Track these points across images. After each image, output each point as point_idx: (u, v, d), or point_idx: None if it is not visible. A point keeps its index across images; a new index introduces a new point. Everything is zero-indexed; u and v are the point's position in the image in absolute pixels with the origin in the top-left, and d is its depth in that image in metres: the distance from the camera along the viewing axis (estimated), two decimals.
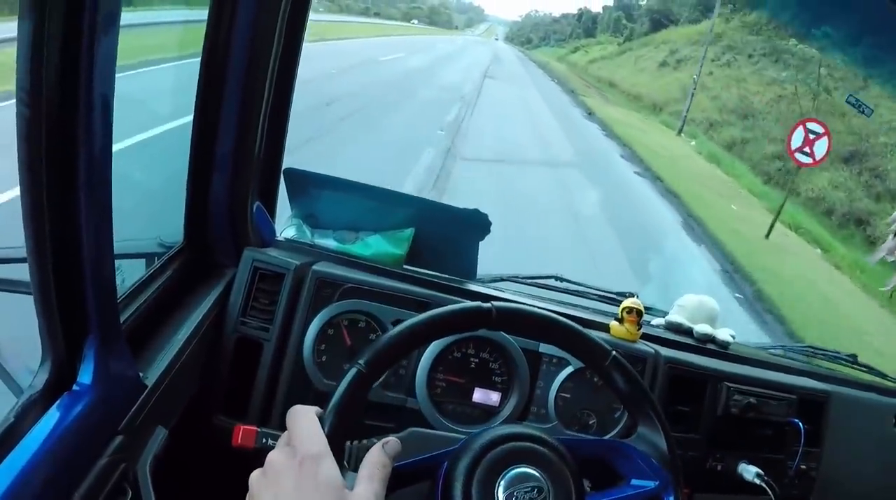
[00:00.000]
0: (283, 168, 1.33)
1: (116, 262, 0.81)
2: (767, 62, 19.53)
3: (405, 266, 1.37)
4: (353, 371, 0.78)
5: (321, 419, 0.74)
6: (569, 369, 1.26)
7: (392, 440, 0.76)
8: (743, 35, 22.43)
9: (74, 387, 0.79)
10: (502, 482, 0.77)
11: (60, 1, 0.60)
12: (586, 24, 45.74)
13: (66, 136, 0.65)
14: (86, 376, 0.79)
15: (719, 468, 1.39)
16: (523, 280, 1.54)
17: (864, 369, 1.88)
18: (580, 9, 47.80)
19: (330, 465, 0.68)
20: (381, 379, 1.14)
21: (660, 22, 32.74)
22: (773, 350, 1.76)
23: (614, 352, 0.91)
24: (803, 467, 1.50)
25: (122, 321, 0.90)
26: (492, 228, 1.35)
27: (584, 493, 0.82)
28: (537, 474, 0.79)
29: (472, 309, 0.87)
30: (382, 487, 0.71)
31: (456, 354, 1.24)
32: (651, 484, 0.88)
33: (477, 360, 1.25)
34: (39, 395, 0.76)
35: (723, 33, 23.21)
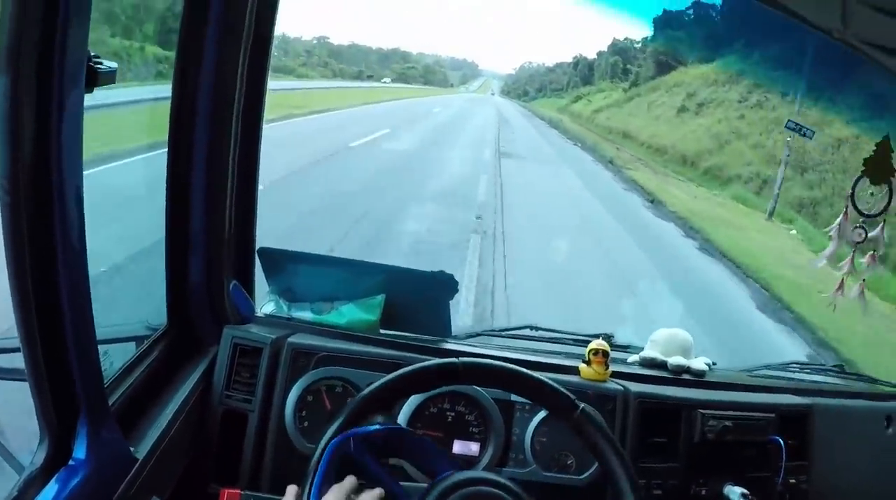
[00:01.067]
0: (256, 247, 1.44)
1: (108, 346, 0.92)
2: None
3: (381, 331, 1.47)
4: (332, 444, 0.87)
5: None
6: (542, 414, 1.35)
7: (377, 490, 0.88)
8: (766, 70, 19.80)
9: (70, 462, 0.89)
10: None
11: (32, 98, 0.71)
12: (583, 72, 44.82)
13: (44, 232, 0.76)
14: (80, 452, 0.89)
15: (703, 492, 1.45)
16: (498, 333, 1.64)
17: (853, 377, 1.97)
18: (575, 56, 46.75)
19: None
20: None
21: (667, 64, 30.70)
22: (755, 372, 1.84)
23: (583, 405, 0.99)
24: (792, 481, 1.56)
25: (112, 401, 1.01)
26: None
27: None
28: None
29: (439, 366, 0.96)
30: None
31: (432, 409, 1.33)
32: None
33: (453, 413, 1.34)
34: (39, 471, 0.86)
35: (742, 71, 21.66)
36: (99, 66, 0.77)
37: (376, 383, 0.93)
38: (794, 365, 1.92)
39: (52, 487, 0.85)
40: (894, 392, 1.98)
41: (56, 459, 0.88)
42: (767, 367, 1.88)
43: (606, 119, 30.74)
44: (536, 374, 1.00)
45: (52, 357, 0.82)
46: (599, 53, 42.58)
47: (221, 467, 1.29)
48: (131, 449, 1.02)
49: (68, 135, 0.74)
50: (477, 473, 0.94)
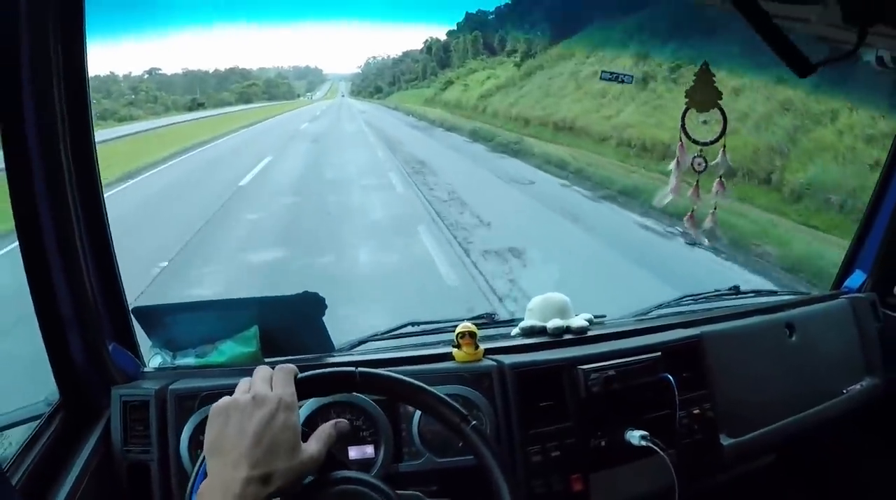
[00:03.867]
0: (130, 307, 1.59)
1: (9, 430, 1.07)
2: None
3: (266, 359, 1.60)
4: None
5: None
6: None
7: (343, 422, 1.02)
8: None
9: None
10: None
11: None
12: (438, 55, 41.13)
13: None
14: None
15: (603, 443, 1.59)
16: (381, 336, 1.78)
17: (751, 294, 2.10)
18: (426, 40, 42.71)
19: (296, 415, 0.93)
20: None
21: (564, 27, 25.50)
22: (646, 315, 1.98)
23: (474, 422, 1.08)
24: (696, 411, 1.72)
25: (15, 479, 1.17)
26: None
27: None
28: None
29: (337, 373, 1.09)
30: (326, 451, 0.96)
31: (320, 422, 1.46)
32: None
33: None
34: None
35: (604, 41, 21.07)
36: None
37: None
38: (687, 298, 2.04)
39: None
40: (793, 301, 2.09)
41: None
42: (659, 306, 2.00)
43: (506, 105, 25.23)
44: (430, 388, 1.10)
45: None
46: (450, 33, 39.16)
47: None
48: None
49: None
50: (351, 473, 1.02)
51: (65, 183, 1.38)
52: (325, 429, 0.98)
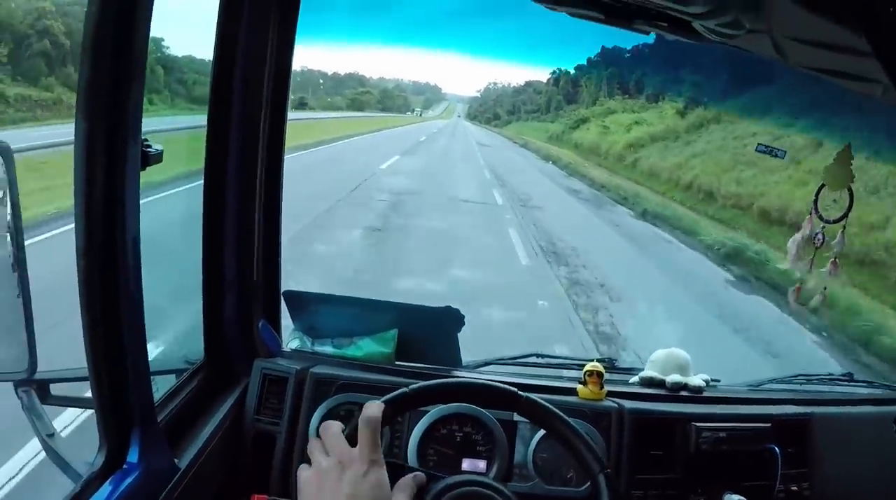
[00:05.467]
0: (283, 290, 1.74)
1: (155, 377, 1.20)
2: None
3: (397, 362, 1.74)
4: (400, 392, 1.10)
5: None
6: (541, 432, 1.58)
7: (420, 475, 1.05)
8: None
9: (124, 466, 1.16)
10: None
11: (102, 178, 0.99)
12: (566, 89, 38.70)
13: (110, 283, 1.05)
14: (133, 457, 1.17)
15: None
16: (507, 361, 1.88)
17: (862, 384, 2.14)
18: (554, 71, 40.24)
19: (383, 472, 0.96)
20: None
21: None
22: (760, 386, 2.04)
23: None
24: (794, 488, 1.76)
25: (159, 419, 1.29)
26: None
27: None
28: None
29: (506, 391, 1.17)
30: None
31: (442, 431, 1.58)
32: None
33: (461, 434, 1.59)
34: (98, 473, 1.14)
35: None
36: (149, 149, 1.07)
37: (453, 380, 1.27)
38: (801, 377, 2.10)
39: (106, 487, 1.12)
40: None
41: (112, 464, 1.15)
42: (773, 380, 2.07)
43: (674, 166, 20.34)
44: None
45: (113, 381, 1.10)
46: (580, 67, 37.34)
47: (254, 480, 1.56)
48: (175, 460, 1.30)
49: (130, 203, 1.03)
50: (469, 476, 1.12)
51: (256, 165, 1.58)
52: (407, 481, 1.01)
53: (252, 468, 1.58)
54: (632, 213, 16.86)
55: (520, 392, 1.16)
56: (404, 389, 1.11)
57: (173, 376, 1.56)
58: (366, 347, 1.72)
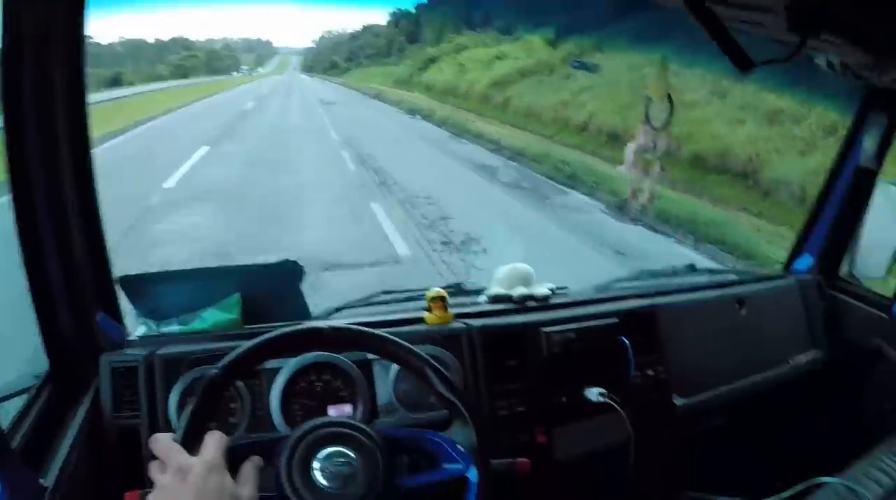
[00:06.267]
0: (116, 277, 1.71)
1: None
2: None
3: (245, 326, 1.75)
4: (208, 375, 1.11)
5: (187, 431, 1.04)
6: (397, 367, 1.64)
7: (256, 457, 1.06)
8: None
9: None
10: (317, 458, 1.08)
11: None
12: (407, 29, 35.85)
13: None
14: None
15: (564, 399, 1.79)
16: (356, 305, 1.94)
17: (704, 272, 2.34)
18: (395, 11, 37.08)
19: (225, 473, 0.97)
20: (244, 424, 1.53)
21: None
22: (607, 287, 2.19)
23: (432, 361, 1.22)
24: (650, 373, 1.93)
25: (14, 444, 1.30)
26: None
27: (394, 468, 1.12)
28: (349, 451, 1.09)
29: (307, 329, 1.20)
30: (255, 489, 1.02)
31: (301, 384, 1.62)
32: (458, 467, 1.14)
33: (321, 383, 1.63)
34: None
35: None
36: None
37: (242, 347, 1.14)
38: (645, 273, 2.26)
39: None
40: (744, 279, 2.35)
41: None
42: (618, 280, 2.24)
43: (561, 105, 17.56)
44: (390, 336, 1.23)
45: None
46: (420, 6, 33.50)
47: (126, 478, 1.51)
48: (41, 481, 1.28)
49: None
50: (313, 422, 1.13)
51: (59, 151, 1.50)
52: (247, 470, 1.02)
53: (121, 466, 1.57)
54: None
55: (321, 325, 1.20)
56: (213, 371, 1.12)
57: (25, 396, 1.53)
58: (210, 317, 1.73)
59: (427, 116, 22.11)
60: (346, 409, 1.63)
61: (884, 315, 2.47)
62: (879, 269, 2.50)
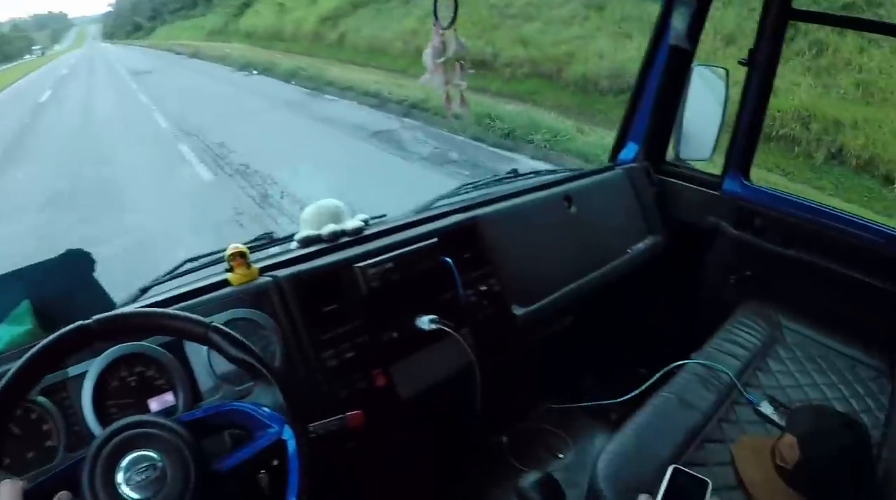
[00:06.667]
0: None
1: None
2: None
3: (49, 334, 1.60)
4: None
5: None
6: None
7: (63, 493, 0.95)
8: None
9: None
10: (120, 470, 0.98)
11: None
12: None
13: None
14: None
15: (396, 335, 1.72)
16: (162, 280, 1.78)
17: (530, 175, 2.34)
18: None
19: None
20: (62, 444, 1.38)
21: None
22: (426, 207, 2.13)
23: (212, 324, 1.13)
24: (483, 288, 1.89)
25: None
26: None
27: (203, 455, 1.03)
28: (151, 454, 1.00)
29: (68, 332, 1.08)
30: None
31: (114, 383, 1.48)
32: (271, 431, 1.07)
33: (135, 378, 1.50)
34: None
35: None
36: None
37: (6, 378, 1.02)
38: (466, 186, 2.23)
39: None
40: (570, 176, 2.36)
41: None
42: (439, 198, 2.16)
43: (411, 34, 16.33)
44: (163, 310, 1.14)
45: None
46: None
47: None
48: None
49: None
50: (132, 418, 1.03)
51: None
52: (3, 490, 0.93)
53: None
54: None
55: (87, 321, 1.09)
56: None
57: None
58: (3, 334, 1.58)
59: (267, 71, 18.81)
60: (168, 398, 1.50)
61: (715, 193, 2.56)
62: (705, 150, 2.58)
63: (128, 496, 0.95)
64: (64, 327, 1.56)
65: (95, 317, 1.09)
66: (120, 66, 26.05)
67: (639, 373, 2.11)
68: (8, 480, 0.92)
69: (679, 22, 2.42)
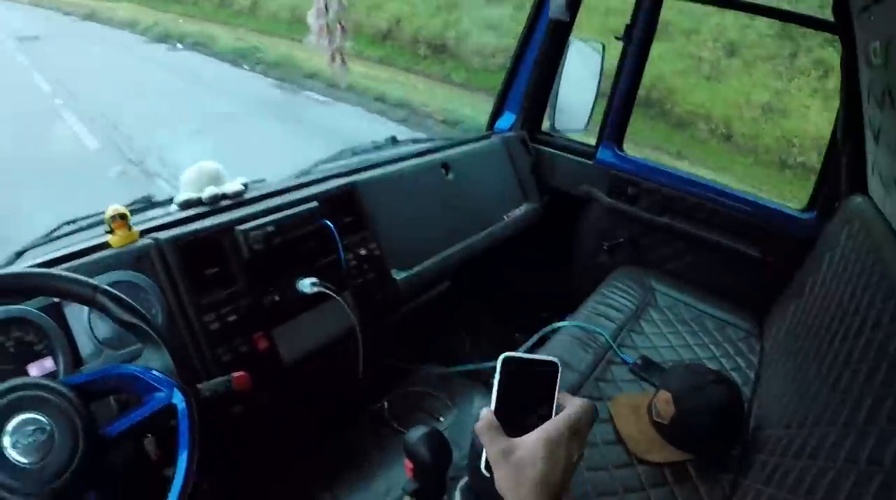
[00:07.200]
0: None
1: None
2: None
3: None
4: None
5: None
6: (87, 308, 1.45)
7: None
8: None
9: None
10: (6, 433, 0.95)
11: None
12: None
13: None
14: None
15: (278, 298, 1.72)
16: (40, 243, 1.70)
17: (409, 142, 2.38)
18: None
19: None
20: None
21: None
22: (307, 172, 2.14)
23: (101, 285, 1.11)
24: (363, 252, 1.92)
25: None
26: None
27: (92, 420, 1.01)
28: (38, 416, 0.97)
29: None
30: None
31: None
32: (161, 395, 1.06)
33: (12, 342, 1.42)
34: None
35: None
36: None
37: None
38: (346, 151, 2.24)
39: None
40: (448, 144, 2.42)
41: None
42: (319, 162, 2.18)
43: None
44: (46, 270, 1.10)
45: None
46: None
47: None
48: None
49: None
50: (17, 381, 0.99)
51: None
52: None
53: None
54: None
55: None
56: None
57: None
58: None
59: (199, 45, 14.70)
60: (48, 363, 1.44)
61: (589, 162, 2.67)
62: (580, 122, 2.68)
63: (15, 459, 0.93)
64: None
65: None
66: None
67: (514, 337, 2.18)
68: None
69: None
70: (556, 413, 0.77)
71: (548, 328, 2.15)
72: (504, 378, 0.78)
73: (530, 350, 2.02)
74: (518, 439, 0.75)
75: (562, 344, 2.05)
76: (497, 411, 0.77)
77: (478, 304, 2.69)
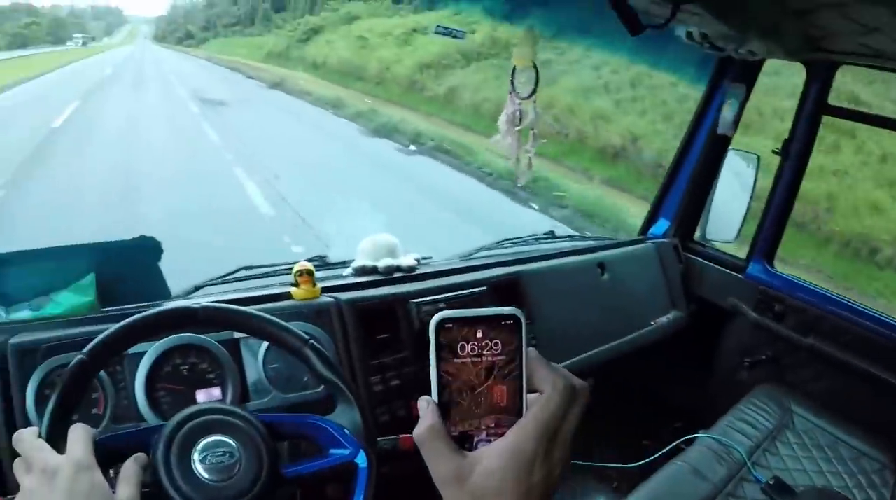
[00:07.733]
0: None
1: None
2: None
3: (102, 309, 1.66)
4: (75, 361, 1.04)
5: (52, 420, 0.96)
6: (266, 344, 1.60)
7: (141, 455, 0.99)
8: None
9: None
10: (197, 449, 1.03)
11: None
12: None
13: None
14: None
15: None
16: (216, 282, 1.87)
17: (565, 239, 2.46)
18: None
19: (97, 472, 0.88)
20: (108, 415, 1.44)
21: None
22: (470, 256, 2.24)
23: (311, 340, 1.21)
24: None
25: None
26: None
27: (277, 456, 1.08)
28: (230, 440, 1.05)
29: (180, 309, 1.14)
30: (138, 490, 0.94)
31: (166, 368, 1.54)
32: (345, 452, 1.12)
33: (187, 366, 1.56)
34: None
35: None
36: None
37: (121, 323, 1.08)
38: (507, 241, 2.37)
39: None
40: (604, 244, 2.49)
41: None
42: (481, 249, 2.30)
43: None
44: (267, 315, 1.21)
45: None
46: None
47: None
48: None
49: None
50: (192, 409, 1.07)
51: None
52: (129, 468, 0.95)
53: None
54: None
55: (193, 305, 1.15)
56: (80, 356, 1.06)
57: None
58: (65, 301, 1.63)
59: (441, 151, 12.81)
60: (216, 392, 1.56)
61: (738, 275, 2.67)
62: (730, 233, 2.70)
63: (200, 473, 1.01)
64: (122, 304, 1.63)
65: (202, 304, 1.15)
66: (177, 81, 20.90)
67: (642, 444, 2.18)
68: (81, 424, 0.96)
69: (728, 112, 2.56)
70: (528, 389, 0.59)
71: (684, 438, 2.15)
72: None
73: (660, 458, 2.05)
74: (475, 453, 0.57)
75: (697, 454, 2.05)
76: (441, 403, 0.59)
77: (615, 405, 2.70)
